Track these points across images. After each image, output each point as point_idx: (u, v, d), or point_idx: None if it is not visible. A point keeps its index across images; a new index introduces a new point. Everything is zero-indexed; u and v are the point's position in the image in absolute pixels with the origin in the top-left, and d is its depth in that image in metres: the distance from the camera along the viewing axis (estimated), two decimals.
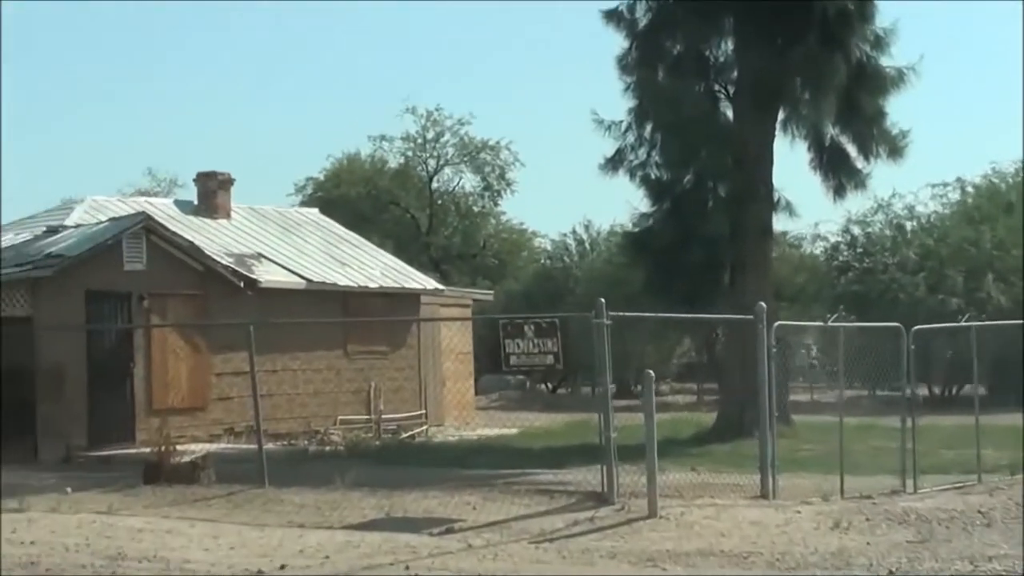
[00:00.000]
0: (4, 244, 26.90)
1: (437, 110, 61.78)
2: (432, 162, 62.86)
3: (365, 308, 30.72)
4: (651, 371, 16.39)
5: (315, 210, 36.39)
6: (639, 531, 14.82)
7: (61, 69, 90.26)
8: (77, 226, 27.12)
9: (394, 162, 62.92)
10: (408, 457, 24.77)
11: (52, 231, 27.02)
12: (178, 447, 26.14)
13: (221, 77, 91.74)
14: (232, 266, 28.07)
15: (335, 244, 33.02)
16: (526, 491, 17.06)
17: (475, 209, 63.94)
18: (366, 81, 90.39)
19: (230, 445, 26.88)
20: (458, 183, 63.50)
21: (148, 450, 25.48)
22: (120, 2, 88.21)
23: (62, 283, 24.97)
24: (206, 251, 27.68)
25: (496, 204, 63.78)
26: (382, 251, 35.08)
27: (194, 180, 31.71)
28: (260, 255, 29.96)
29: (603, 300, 16.58)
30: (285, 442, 28.88)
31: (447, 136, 62.32)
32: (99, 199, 29.69)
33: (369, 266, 32.32)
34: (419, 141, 62.40)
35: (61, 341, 24.91)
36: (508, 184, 62.97)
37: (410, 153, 62.79)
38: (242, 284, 27.91)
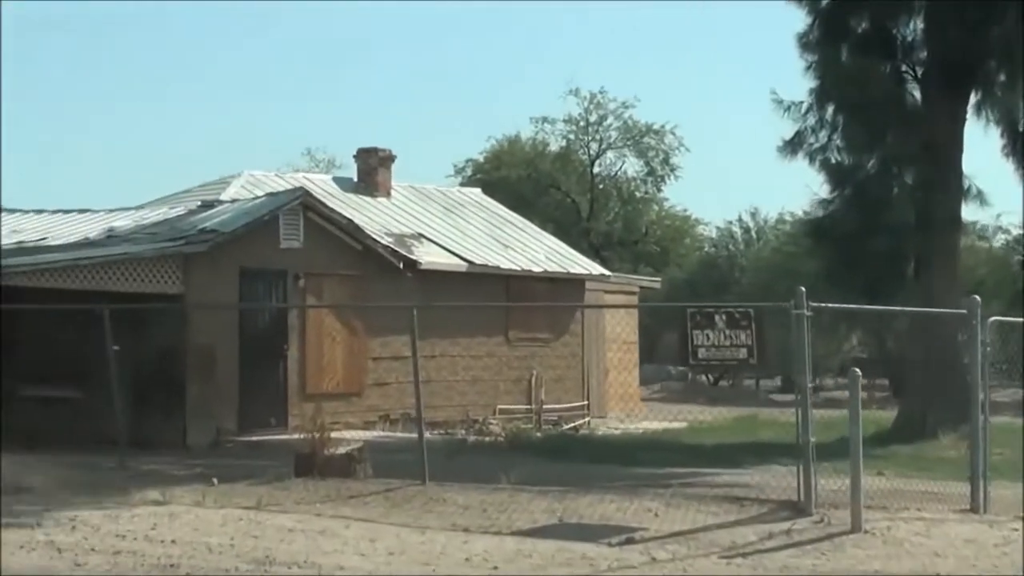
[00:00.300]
0: (158, 218, 25.91)
1: (601, 93, 60.51)
2: (594, 146, 61.55)
3: (528, 293, 29.34)
4: (857, 369, 14.67)
5: (478, 190, 35.07)
6: (842, 547, 13.16)
7: (223, 50, 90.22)
8: (233, 201, 26.04)
9: (555, 145, 61.72)
10: (572, 451, 23.28)
11: (207, 206, 25.98)
12: (332, 435, 25.19)
13: (382, 55, 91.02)
14: (392, 246, 26.81)
15: (498, 226, 31.65)
16: (712, 497, 15.44)
17: (637, 195, 62.38)
18: (529, 62, 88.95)
19: (386, 433, 25.69)
20: (620, 168, 62.02)
21: (300, 436, 24.49)
22: None
23: (215, 259, 23.89)
24: (366, 230, 26.42)
25: (659, 190, 62.25)
26: (546, 234, 33.66)
27: (354, 157, 30.55)
28: (421, 235, 28.69)
29: (803, 289, 14.92)
30: (442, 431, 27.58)
31: (610, 119, 61.02)
32: (256, 174, 28.62)
33: (533, 249, 30.90)
34: (581, 124, 61.11)
35: (213, 320, 23.85)
36: (672, 169, 61.44)
37: (572, 136, 61.54)
38: (401, 265, 26.65)
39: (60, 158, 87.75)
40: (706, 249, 58.39)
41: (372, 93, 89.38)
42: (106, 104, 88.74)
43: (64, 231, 26.02)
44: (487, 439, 25.96)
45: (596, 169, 61.49)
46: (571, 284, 30.65)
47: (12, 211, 28.44)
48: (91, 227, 26.02)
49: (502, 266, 28.95)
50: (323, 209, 25.42)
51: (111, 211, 27.35)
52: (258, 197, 25.84)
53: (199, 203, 26.28)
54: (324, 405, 25.50)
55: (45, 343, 24.71)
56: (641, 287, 34.44)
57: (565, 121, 60.91)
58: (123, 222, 26.01)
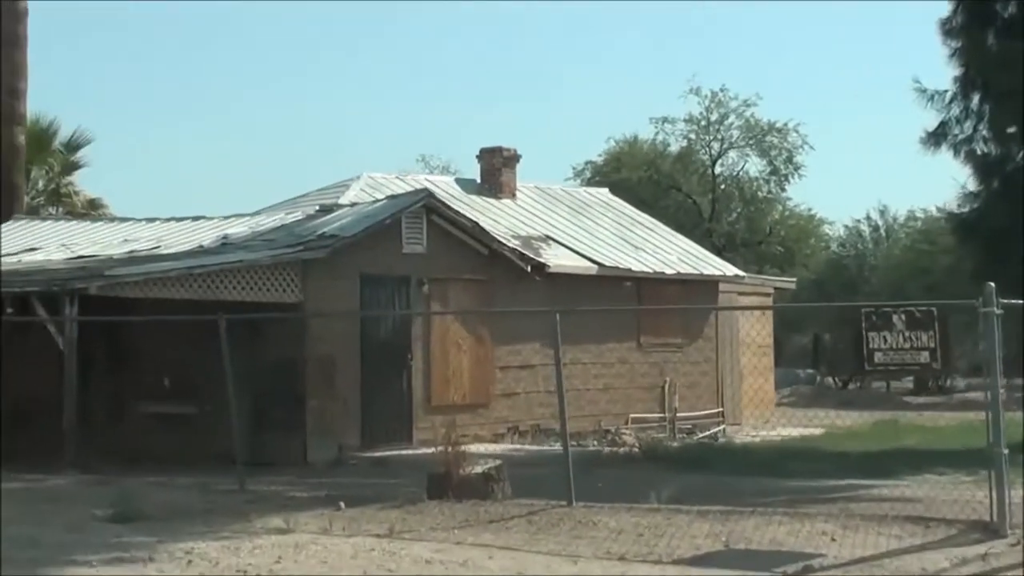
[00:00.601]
0: (274, 224, 24.75)
1: (722, 91, 58.63)
2: (716, 145, 59.71)
3: (660, 296, 27.84)
4: None
5: (605, 190, 33.60)
6: None
7: (334, 50, 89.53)
8: (352, 205, 24.80)
9: (676, 145, 59.99)
10: (713, 462, 21.75)
11: (325, 210, 24.77)
12: (464, 450, 23.88)
13: (497, 56, 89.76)
14: (519, 249, 25.43)
15: (627, 227, 30.18)
16: (893, 518, 13.86)
17: (760, 194, 60.56)
18: (648, 62, 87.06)
19: (516, 446, 24.34)
20: (742, 167, 60.25)
21: (428, 451, 23.17)
22: None
23: (335, 266, 22.68)
24: (492, 232, 25.08)
25: (783, 189, 60.26)
26: (677, 234, 32.14)
27: (477, 157, 29.23)
28: (548, 237, 27.29)
29: (992, 285, 13.30)
30: (574, 443, 26.16)
31: (731, 118, 59.14)
32: (376, 176, 27.39)
33: (664, 250, 29.40)
34: (702, 123, 59.31)
35: (333, 329, 22.65)
36: (796, 168, 59.40)
37: (693, 136, 59.79)
38: (529, 268, 25.27)
39: (172, 165, 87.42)
40: (834, 249, 56.34)
41: (487, 94, 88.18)
42: (212, 111, 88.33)
43: (177, 239, 24.96)
44: (621, 450, 24.52)
45: (717, 169, 59.72)
46: (704, 286, 29.11)
47: (124, 220, 27.49)
48: (205, 235, 24.93)
49: (633, 268, 27.45)
50: (447, 211, 24.12)
51: (225, 218, 26.26)
52: (378, 200, 24.59)
53: (317, 207, 25.09)
54: (450, 417, 24.28)
55: (158, 357, 23.72)
56: (775, 288, 32.78)
57: (686, 121, 59.19)
58: (238, 229, 24.89)
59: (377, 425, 23.31)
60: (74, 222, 28.82)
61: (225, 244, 23.78)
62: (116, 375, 24.14)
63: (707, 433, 28.33)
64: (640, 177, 57.76)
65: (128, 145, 79.50)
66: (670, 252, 29.39)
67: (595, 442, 26.38)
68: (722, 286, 29.82)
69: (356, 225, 22.99)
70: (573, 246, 27.28)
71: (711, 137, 59.64)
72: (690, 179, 59.65)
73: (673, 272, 28.22)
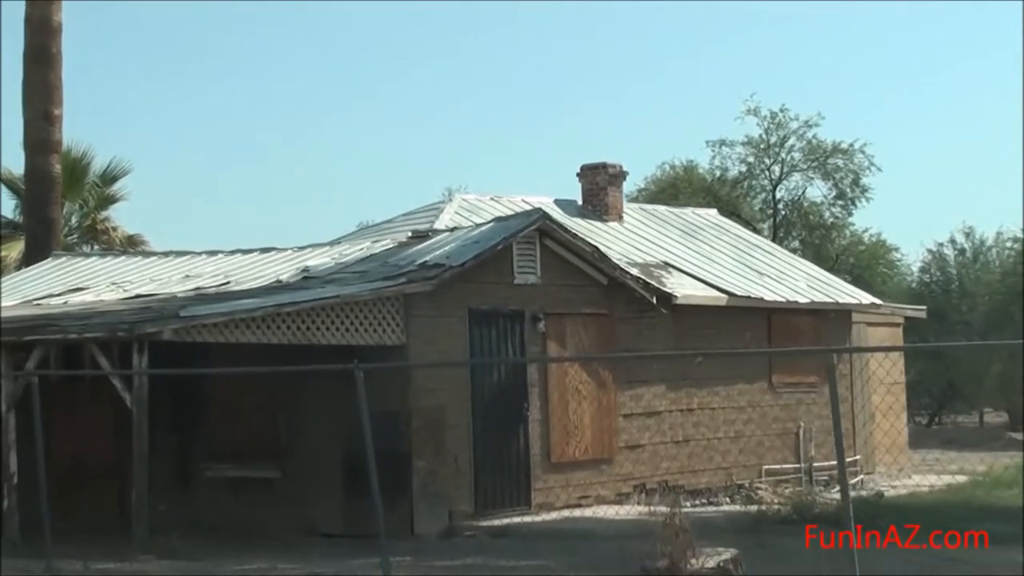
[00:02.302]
0: (361, 254, 21.33)
1: (782, 111, 55.28)
2: (776, 168, 56.40)
3: (791, 327, 24.40)
4: None
5: (714, 211, 30.19)
6: None
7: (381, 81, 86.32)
8: (452, 229, 21.34)
9: (734, 169, 56.67)
10: (883, 523, 18.21)
11: (419, 236, 21.35)
12: (585, 511, 20.44)
13: (542, 80, 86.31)
14: (643, 277, 21.99)
15: (746, 251, 26.71)
16: None
17: (825, 219, 57.17)
18: (704, 82, 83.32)
19: (645, 508, 20.85)
20: (804, 191, 56.91)
21: (551, 517, 19.81)
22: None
23: (441, 300, 19.28)
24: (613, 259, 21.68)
25: (850, 213, 56.85)
26: (798, 258, 28.76)
27: (577, 175, 25.75)
28: (667, 264, 23.83)
29: None
30: (703, 500, 22.73)
31: (792, 140, 55.82)
32: (469, 198, 23.98)
33: (791, 276, 25.93)
34: (762, 146, 56.00)
35: (441, 376, 19.26)
36: (863, 191, 56.04)
37: (752, 159, 56.46)
38: (654, 300, 21.82)
39: (211, 197, 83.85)
40: (914, 275, 52.95)
41: (523, 119, 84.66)
42: (249, 143, 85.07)
43: (247, 274, 21.58)
44: (763, 508, 21.04)
45: (779, 193, 56.39)
46: (836, 315, 25.65)
47: (180, 253, 24.06)
48: (280, 268, 21.54)
49: (765, 298, 23.99)
50: (563, 235, 20.69)
51: (300, 248, 22.86)
52: (483, 224, 21.13)
53: (409, 234, 21.65)
54: (571, 476, 20.90)
55: (231, 412, 20.32)
56: (906, 317, 29.24)
57: (744, 144, 55.89)
58: (319, 260, 21.48)
59: (491, 487, 19.88)
60: (123, 257, 25.43)
61: (307, 278, 20.37)
62: (181, 433, 20.74)
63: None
64: (699, 203, 54.41)
65: (163, 176, 75.84)
66: (797, 278, 25.94)
67: (727, 499, 22.95)
68: (854, 315, 26.41)
69: (463, 252, 19.56)
70: (695, 274, 23.82)
71: (771, 160, 56.48)
72: (751, 204, 56.43)
73: (806, 301, 24.75)
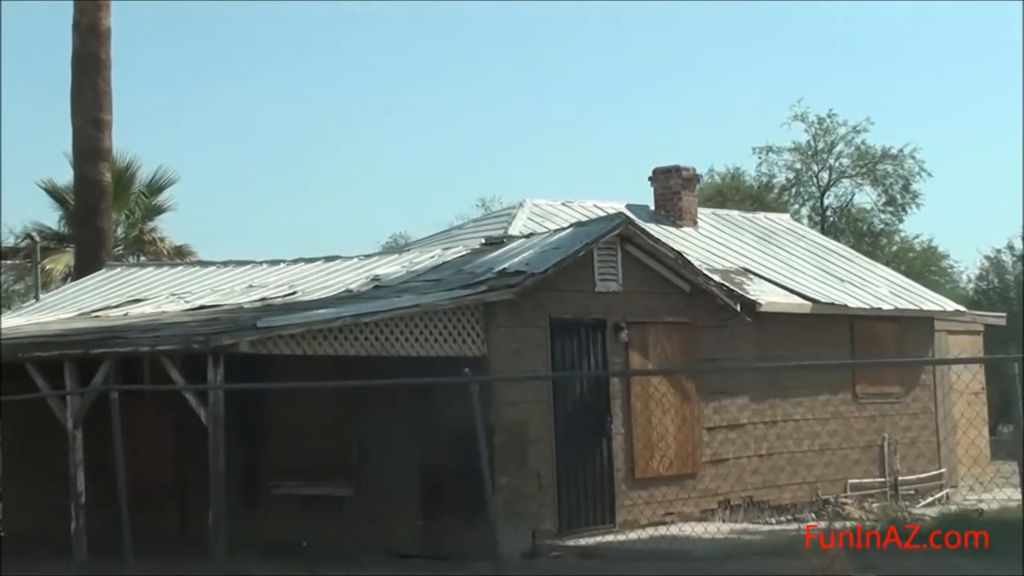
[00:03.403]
0: (433, 261, 20.44)
1: (829, 116, 54.40)
2: (824, 175, 55.52)
3: (874, 336, 23.45)
4: None
5: (786, 216, 29.27)
6: None
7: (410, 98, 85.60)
8: (528, 235, 20.44)
9: (781, 176, 55.75)
10: (995, 541, 17.21)
11: (493, 243, 20.46)
12: (670, 530, 19.48)
13: (585, 87, 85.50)
14: (726, 284, 21.06)
15: (823, 256, 25.75)
16: None
17: (874, 226, 56.21)
18: (749, 87, 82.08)
19: (736, 525, 19.96)
20: (852, 197, 55.98)
21: (636, 536, 18.88)
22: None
23: (521, 309, 18.40)
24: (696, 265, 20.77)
25: (900, 220, 55.88)
26: (876, 263, 27.79)
27: (649, 179, 24.83)
28: (746, 270, 22.89)
29: None
30: (788, 517, 21.77)
31: (840, 146, 54.93)
32: (540, 203, 23.03)
33: (872, 283, 24.97)
34: (809, 152, 55.10)
35: (522, 389, 18.36)
36: (913, 197, 55.10)
37: (799, 166, 55.56)
38: (738, 307, 20.89)
39: (256, 207, 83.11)
40: (968, 283, 51.92)
41: (566, 125, 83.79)
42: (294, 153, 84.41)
43: (314, 283, 20.72)
44: (848, 524, 20.08)
45: (826, 200, 55.54)
46: (919, 323, 24.67)
47: (241, 263, 23.23)
48: (347, 277, 20.68)
49: (850, 305, 23.03)
50: (646, 241, 19.77)
51: (367, 257, 22.04)
52: (561, 229, 20.22)
53: (482, 241, 20.76)
54: (655, 492, 19.98)
55: (302, 428, 19.47)
56: (987, 324, 28.18)
57: (791, 150, 54.99)
58: (389, 269, 20.60)
59: (575, 505, 18.96)
60: (180, 268, 24.60)
61: (378, 287, 19.50)
62: (246, 449, 19.87)
63: (931, 499, 23.90)
64: (747, 211, 53.48)
65: (208, 185, 75.07)
66: (878, 284, 24.99)
67: (812, 515, 21.99)
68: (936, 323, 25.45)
69: (543, 259, 18.66)
70: (776, 280, 22.88)
71: (819, 167, 55.60)
72: (798, 211, 55.48)
73: (891, 308, 23.79)
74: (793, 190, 55.75)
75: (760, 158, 55.45)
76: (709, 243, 23.83)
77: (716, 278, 21.11)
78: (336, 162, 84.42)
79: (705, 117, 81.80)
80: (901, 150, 53.90)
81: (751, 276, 22.59)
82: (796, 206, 55.28)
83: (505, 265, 18.84)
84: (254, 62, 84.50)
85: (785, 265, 24.10)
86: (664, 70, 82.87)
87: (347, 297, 19.05)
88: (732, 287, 21.14)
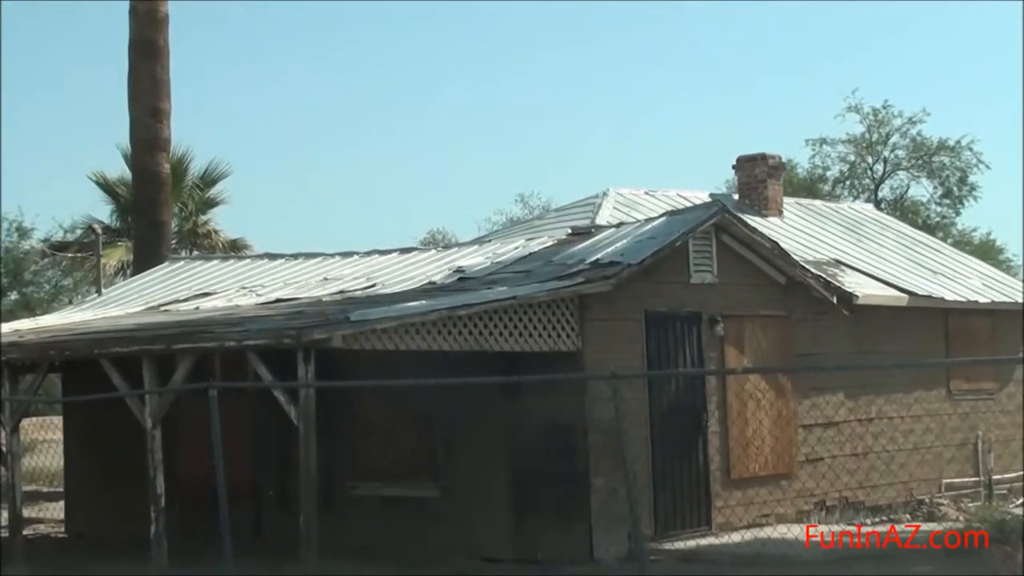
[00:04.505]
0: (518, 252, 19.61)
1: (884, 108, 53.43)
2: (879, 167, 54.55)
3: (968, 329, 22.52)
4: None
5: (869, 206, 28.39)
6: None
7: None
8: (618, 225, 19.58)
9: (835, 168, 54.79)
10: None
11: (581, 233, 19.61)
12: (767, 531, 18.61)
13: (634, 78, 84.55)
14: (823, 276, 20.17)
15: (912, 247, 24.84)
16: None
17: (931, 219, 55.20)
18: (803, 78, 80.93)
19: (834, 527, 19.07)
20: (908, 189, 55.01)
21: (730, 539, 18.02)
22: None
23: (616, 302, 17.54)
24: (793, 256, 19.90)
25: (957, 212, 54.88)
26: (965, 254, 26.82)
27: (733, 167, 23.97)
28: (838, 262, 21.99)
29: None
30: (883, 518, 20.86)
31: (895, 137, 53.95)
32: (624, 192, 22.15)
33: (963, 274, 24.04)
34: (863, 144, 54.11)
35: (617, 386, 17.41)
36: (971, 189, 54.11)
37: (853, 158, 54.57)
38: (834, 300, 20.00)
39: (309, 199, 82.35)
40: None
41: (616, 116, 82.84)
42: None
43: (392, 276, 19.91)
44: (947, 525, 19.21)
45: (881, 193, 54.55)
46: (1011, 316, 23.69)
47: (311, 255, 22.43)
48: (427, 269, 19.86)
49: (946, 298, 22.11)
50: (742, 230, 18.90)
51: (445, 248, 21.29)
52: (654, 218, 19.33)
53: (568, 231, 19.91)
54: (750, 493, 19.12)
55: (383, 427, 18.68)
56: None
57: (845, 142, 54.02)
58: (472, 260, 19.78)
59: (671, 507, 18.10)
60: (247, 260, 23.82)
61: (463, 279, 18.66)
62: (323, 449, 19.02)
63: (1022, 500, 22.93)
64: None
65: (260, 177, 74.36)
66: (970, 276, 24.06)
67: (908, 516, 21.08)
68: None
69: (639, 249, 17.81)
70: (868, 272, 21.97)
71: (874, 159, 54.62)
72: (852, 204, 54.50)
73: (987, 301, 22.87)
74: (847, 182, 54.89)
75: (813, 150, 54.54)
76: (797, 233, 22.93)
77: (812, 270, 20.23)
78: (368, 159, 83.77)
79: (757, 109, 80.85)
80: (958, 141, 52.93)
81: (843, 268, 21.69)
82: (850, 199, 54.45)
83: (598, 256, 18.00)
84: (263, 64, 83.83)
85: (875, 256, 23.20)
86: (715, 64, 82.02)
87: (432, 289, 18.23)
88: (828, 279, 20.26)
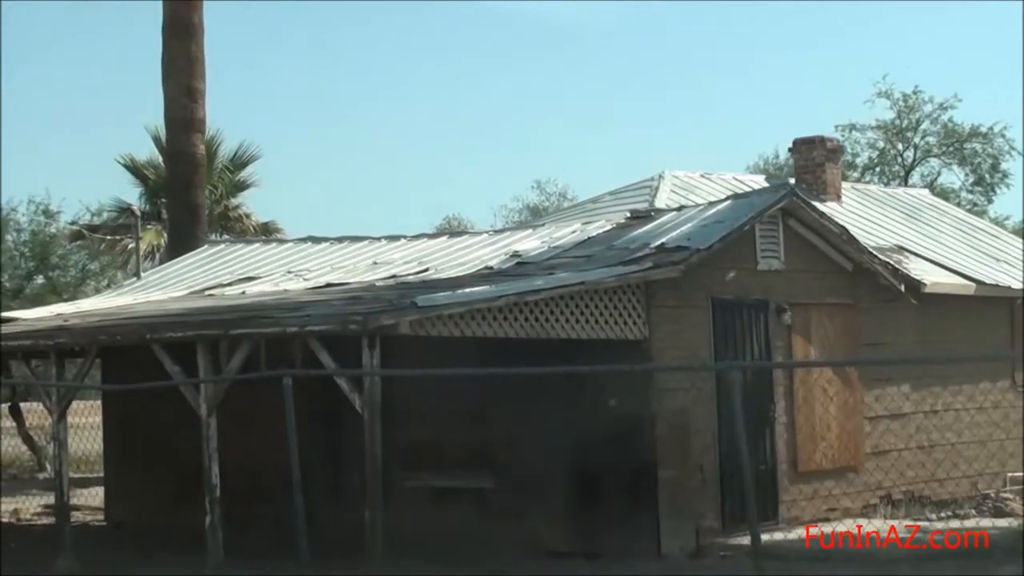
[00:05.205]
0: (575, 237, 18.97)
1: (915, 93, 52.70)
2: (909, 154, 53.85)
3: None
4: None
5: (925, 191, 27.71)
6: None
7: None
8: (679, 208, 18.94)
9: (864, 155, 54.08)
10: None
11: (641, 216, 18.98)
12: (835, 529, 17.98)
13: (659, 61, 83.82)
14: (890, 263, 19.53)
15: (970, 233, 24.21)
16: None
17: (962, 206, 54.53)
18: (832, 63, 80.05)
19: (903, 523, 18.42)
20: (938, 176, 54.29)
21: (795, 535, 17.39)
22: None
23: (682, 289, 16.91)
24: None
25: (989, 200, 54.19)
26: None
27: (789, 150, 23.37)
28: (902, 248, 21.34)
29: None
30: (949, 513, 20.20)
31: (926, 124, 53.25)
32: (680, 175, 21.52)
33: None
34: (894, 130, 53.40)
35: (683, 376, 16.84)
36: (1003, 176, 53.45)
37: (883, 144, 53.86)
38: (902, 287, 19.35)
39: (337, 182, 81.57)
40: None
41: (641, 100, 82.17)
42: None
43: (446, 260, 19.28)
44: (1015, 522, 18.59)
45: (912, 179, 53.75)
46: None
47: (357, 239, 21.81)
48: (481, 253, 19.23)
49: (1013, 286, 21.47)
50: (810, 215, 18.27)
51: (498, 232, 20.60)
52: (719, 202, 18.70)
53: (627, 214, 19.27)
54: (817, 486, 18.49)
55: (438, 416, 18.02)
56: None
57: (874, 128, 53.28)
58: (528, 244, 19.15)
59: (738, 500, 17.43)
60: (289, 244, 23.16)
61: (521, 263, 18.03)
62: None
63: None
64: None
65: (290, 160, 73.62)
66: None
67: (973, 511, 20.43)
68: None
69: (706, 234, 17.16)
70: (932, 259, 21.33)
71: (904, 145, 53.93)
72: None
73: None
74: (876, 169, 54.23)
75: (843, 136, 53.77)
76: (857, 219, 22.27)
77: (880, 256, 19.59)
78: (383, 145, 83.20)
79: (782, 94, 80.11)
80: (991, 128, 52.27)
81: (907, 254, 21.05)
82: (880, 185, 53.82)
83: (663, 240, 17.35)
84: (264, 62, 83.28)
85: (936, 243, 22.57)
86: (742, 50, 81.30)
87: (490, 274, 17.59)
88: (895, 266, 19.62)
